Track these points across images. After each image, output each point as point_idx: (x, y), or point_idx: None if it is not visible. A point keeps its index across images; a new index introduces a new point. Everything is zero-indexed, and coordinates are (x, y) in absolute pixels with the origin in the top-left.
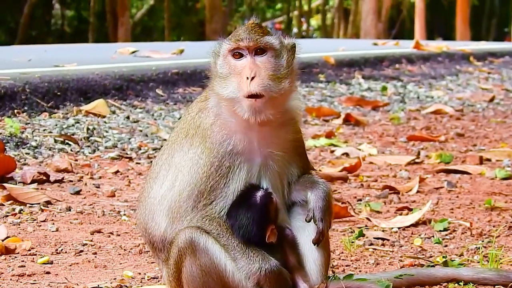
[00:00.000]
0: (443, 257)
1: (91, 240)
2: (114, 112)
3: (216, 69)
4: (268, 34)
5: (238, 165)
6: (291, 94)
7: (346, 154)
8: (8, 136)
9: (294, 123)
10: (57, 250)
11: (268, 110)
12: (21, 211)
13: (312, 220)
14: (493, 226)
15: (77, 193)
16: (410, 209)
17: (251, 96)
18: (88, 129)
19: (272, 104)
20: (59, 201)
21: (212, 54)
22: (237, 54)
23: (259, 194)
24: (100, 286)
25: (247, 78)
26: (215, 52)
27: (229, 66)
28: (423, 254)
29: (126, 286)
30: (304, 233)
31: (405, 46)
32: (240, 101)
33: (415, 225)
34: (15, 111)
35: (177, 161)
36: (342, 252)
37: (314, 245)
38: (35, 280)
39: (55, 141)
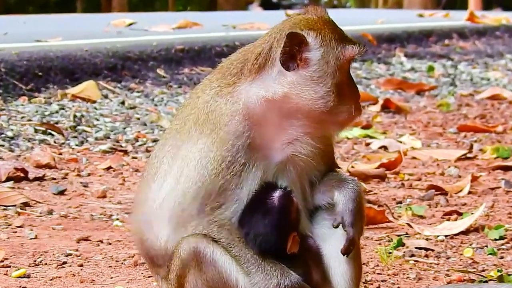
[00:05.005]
0: (498, 270)
1: (77, 250)
2: (106, 97)
3: (316, 67)
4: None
5: (254, 163)
6: None
7: (384, 148)
8: None
9: None
10: (35, 261)
11: None
12: None
13: (341, 225)
14: None
15: (61, 193)
16: (460, 214)
17: None
18: (75, 116)
19: None
20: (39, 202)
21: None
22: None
23: (277, 194)
24: None
25: (358, 105)
26: (322, 43)
27: (341, 75)
28: (474, 268)
29: None
30: (330, 242)
31: (457, 18)
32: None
33: (466, 232)
34: None
35: (184, 153)
36: (377, 265)
37: (343, 255)
38: None
39: (35, 130)
